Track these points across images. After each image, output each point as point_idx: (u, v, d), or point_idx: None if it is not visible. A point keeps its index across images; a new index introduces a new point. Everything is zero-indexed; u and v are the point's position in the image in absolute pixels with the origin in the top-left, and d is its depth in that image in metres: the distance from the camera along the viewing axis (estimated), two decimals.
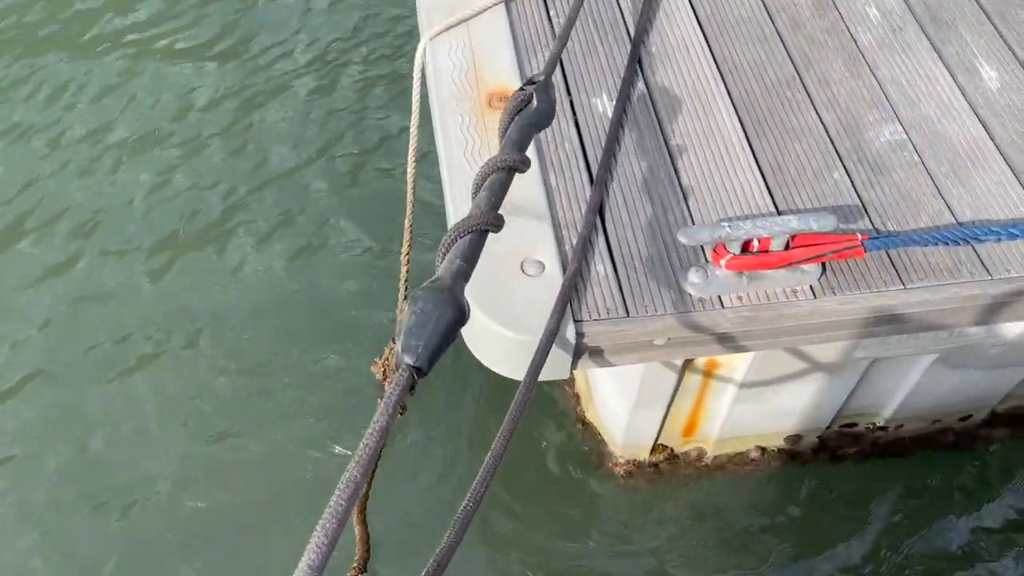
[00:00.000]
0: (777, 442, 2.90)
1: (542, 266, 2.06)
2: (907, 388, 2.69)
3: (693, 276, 2.04)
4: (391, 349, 3.30)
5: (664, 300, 2.03)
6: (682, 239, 2.01)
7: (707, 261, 2.08)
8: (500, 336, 1.98)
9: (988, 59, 2.56)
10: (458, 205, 2.17)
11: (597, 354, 2.05)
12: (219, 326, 3.28)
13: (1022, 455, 2.99)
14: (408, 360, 1.25)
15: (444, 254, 1.49)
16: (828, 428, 2.90)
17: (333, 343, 3.25)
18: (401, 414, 1.70)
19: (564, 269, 2.06)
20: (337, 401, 3.11)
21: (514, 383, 1.64)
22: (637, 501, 2.89)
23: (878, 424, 2.92)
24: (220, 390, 3.12)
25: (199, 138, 3.85)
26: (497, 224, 1.57)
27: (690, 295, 2.04)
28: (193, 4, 4.37)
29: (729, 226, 1.98)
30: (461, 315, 1.33)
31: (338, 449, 2.99)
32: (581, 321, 1.99)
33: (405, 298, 2.98)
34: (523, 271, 2.05)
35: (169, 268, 3.44)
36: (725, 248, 2.01)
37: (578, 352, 2.03)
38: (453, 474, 2.94)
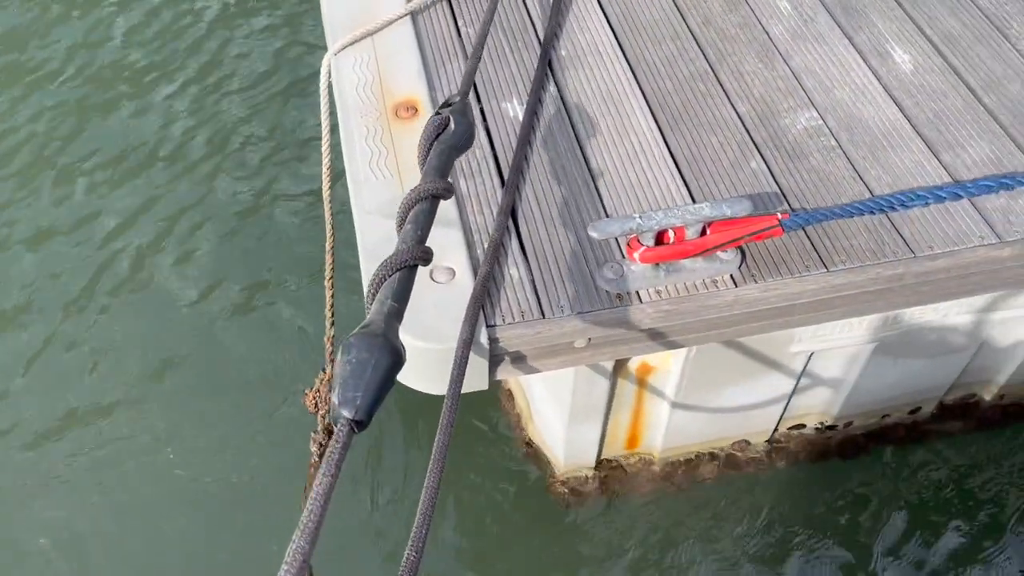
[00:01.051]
0: (725, 448, 2.81)
1: (452, 272, 1.98)
2: (851, 382, 2.62)
3: (608, 272, 1.96)
4: (322, 380, 3.19)
5: (580, 299, 1.95)
6: (592, 234, 1.93)
7: (622, 256, 2.01)
8: (411, 348, 1.88)
9: (900, 42, 2.54)
10: (364, 219, 2.09)
11: (516, 360, 1.95)
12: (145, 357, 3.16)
13: (972, 447, 2.92)
14: (347, 414, 1.18)
15: (373, 294, 1.43)
16: (776, 430, 2.82)
17: (257, 366, 3.13)
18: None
19: (476, 275, 1.97)
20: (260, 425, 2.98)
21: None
22: (584, 522, 2.77)
23: (827, 423, 2.84)
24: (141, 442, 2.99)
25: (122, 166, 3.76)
26: (425, 257, 1.51)
27: (607, 292, 1.96)
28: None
29: (640, 218, 1.91)
30: (398, 359, 1.27)
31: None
32: (495, 326, 1.90)
33: (332, 324, 2.88)
34: (432, 279, 1.96)
35: (95, 299, 3.34)
36: (639, 241, 1.94)
37: (495, 359, 1.93)
38: (392, 516, 2.81)
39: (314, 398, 3.09)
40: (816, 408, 2.76)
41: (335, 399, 1.21)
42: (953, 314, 2.39)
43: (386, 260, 1.44)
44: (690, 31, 2.59)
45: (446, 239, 2.03)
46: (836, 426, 2.85)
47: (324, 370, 3.08)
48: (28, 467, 2.92)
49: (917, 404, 2.85)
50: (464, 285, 1.95)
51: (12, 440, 2.98)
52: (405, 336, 1.86)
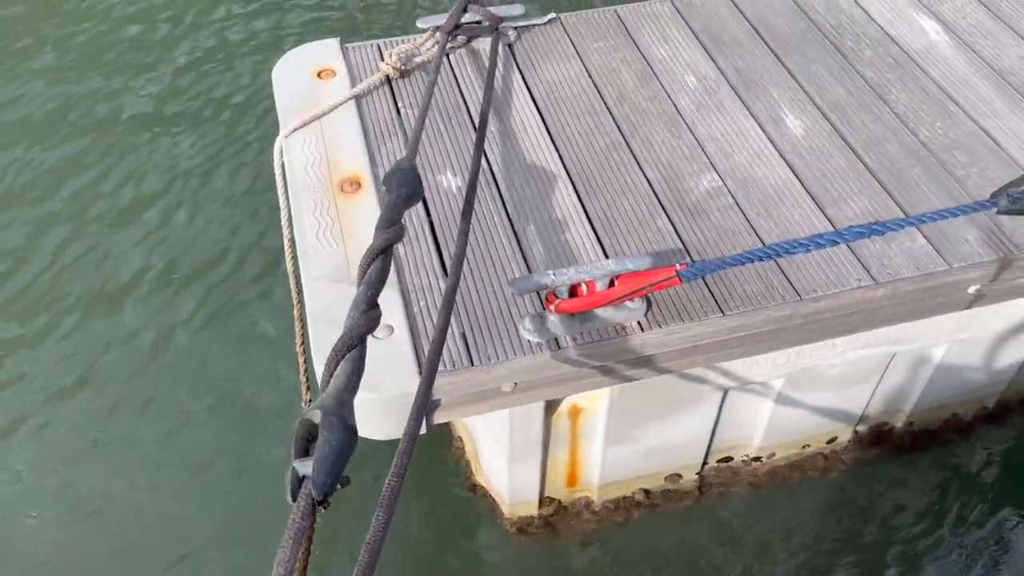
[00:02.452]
0: (659, 483, 3.03)
1: (391, 329, 2.21)
2: (766, 416, 2.86)
3: (528, 323, 2.21)
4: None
5: (506, 348, 2.19)
6: (513, 290, 2.19)
7: (543, 308, 2.26)
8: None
9: (792, 110, 2.86)
10: (311, 286, 2.32)
11: (450, 405, 2.19)
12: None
13: (887, 472, 3.16)
14: (317, 496, 1.27)
15: (332, 368, 1.52)
16: (705, 464, 3.04)
17: (231, 429, 3.32)
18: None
19: (411, 331, 2.21)
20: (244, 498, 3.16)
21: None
22: (530, 560, 2.96)
23: (752, 455, 3.08)
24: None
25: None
26: (372, 325, 1.63)
27: (528, 341, 2.20)
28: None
29: (554, 274, 2.17)
30: (356, 441, 1.36)
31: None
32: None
33: (308, 388, 3.07)
34: (372, 335, 2.19)
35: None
36: (555, 294, 2.20)
37: (430, 406, 2.16)
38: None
39: None
40: (740, 441, 3.00)
41: (310, 474, 1.26)
42: (851, 350, 2.65)
43: (341, 336, 1.56)
44: (606, 106, 2.89)
45: (386, 298, 2.23)
46: (760, 458, 3.08)
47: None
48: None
49: (833, 434, 3.10)
50: (400, 340, 2.19)
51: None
52: None
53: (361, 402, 2.08)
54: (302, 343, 2.96)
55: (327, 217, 2.48)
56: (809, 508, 3.10)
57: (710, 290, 2.33)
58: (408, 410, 2.06)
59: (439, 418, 2.21)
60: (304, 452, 1.32)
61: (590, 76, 3.00)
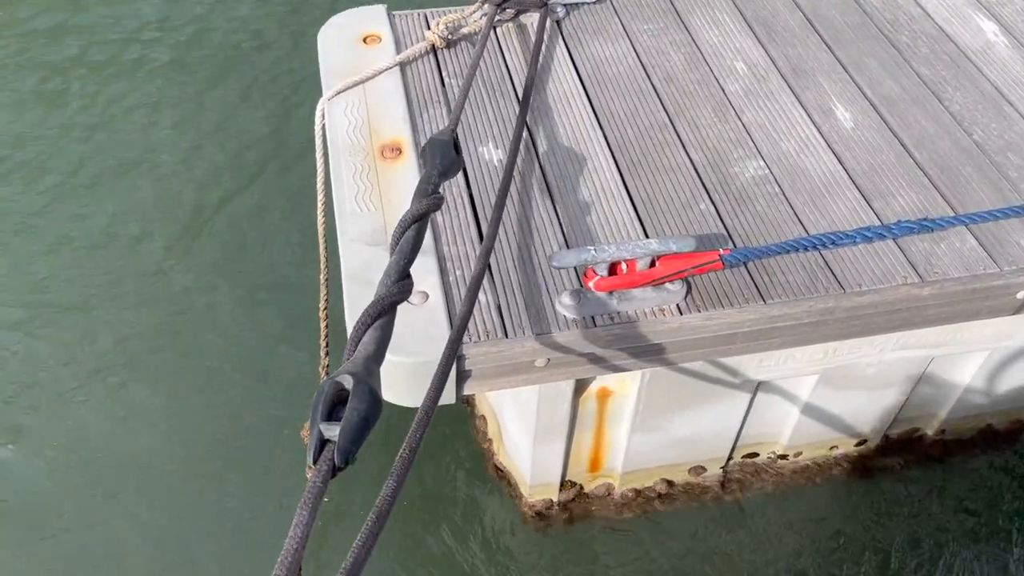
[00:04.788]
0: (682, 475, 2.99)
1: (425, 296, 2.18)
2: (797, 413, 2.81)
3: (566, 298, 2.17)
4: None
5: (540, 322, 2.15)
6: (552, 263, 2.15)
7: (580, 285, 2.22)
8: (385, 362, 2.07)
9: (842, 101, 2.80)
10: (348, 247, 2.29)
11: (481, 376, 2.15)
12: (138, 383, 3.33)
13: (916, 480, 3.10)
14: (339, 463, 1.27)
15: (360, 334, 1.51)
16: (730, 459, 3.00)
17: (250, 400, 3.30)
18: None
19: (447, 298, 2.18)
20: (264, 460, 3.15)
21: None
22: (547, 543, 2.93)
23: (778, 452, 3.03)
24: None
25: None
26: (404, 294, 1.63)
27: (565, 316, 2.16)
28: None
29: (595, 250, 2.13)
30: (381, 410, 1.36)
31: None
32: (463, 343, 2.10)
33: (327, 354, 3.06)
34: (407, 301, 2.16)
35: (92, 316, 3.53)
36: (594, 271, 2.16)
37: (462, 375, 2.13)
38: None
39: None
40: (768, 437, 2.95)
41: (333, 437, 1.27)
42: (889, 350, 2.59)
43: (371, 303, 1.56)
44: (652, 86, 2.84)
45: (421, 266, 2.23)
46: (787, 456, 3.03)
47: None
48: None
49: (863, 437, 3.04)
50: (435, 307, 2.15)
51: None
52: None
53: (392, 366, 2.07)
54: (325, 308, 2.95)
55: (366, 181, 2.45)
56: (833, 511, 3.04)
57: (752, 277, 2.27)
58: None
59: (469, 388, 2.18)
60: (329, 415, 1.31)
61: (638, 56, 2.94)
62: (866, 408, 2.87)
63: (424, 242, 2.28)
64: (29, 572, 2.85)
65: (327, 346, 3.02)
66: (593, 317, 2.17)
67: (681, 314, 2.19)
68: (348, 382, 1.34)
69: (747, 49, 2.99)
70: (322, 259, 2.90)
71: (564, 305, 2.17)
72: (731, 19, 3.11)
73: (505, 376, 2.17)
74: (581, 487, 2.95)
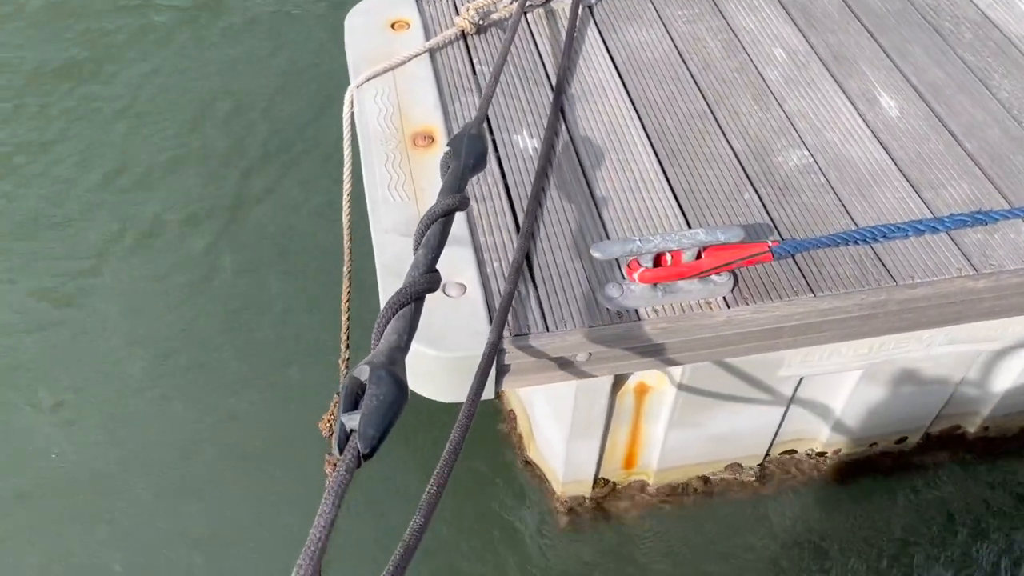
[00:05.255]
0: (718, 471, 2.91)
1: (463, 288, 2.11)
2: (838, 409, 2.73)
3: (610, 290, 2.10)
4: (336, 403, 3.30)
5: (583, 315, 2.08)
6: (595, 254, 2.07)
7: (623, 277, 2.14)
8: (421, 355, 2.01)
9: (887, 89, 2.71)
10: (381, 237, 2.23)
11: (521, 371, 2.08)
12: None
13: (958, 478, 3.01)
14: (363, 450, 1.24)
15: (385, 323, 1.49)
16: (768, 455, 2.92)
17: (272, 391, 3.24)
18: None
19: (485, 291, 2.11)
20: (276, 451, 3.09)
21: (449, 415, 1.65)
22: (579, 541, 2.86)
23: (816, 450, 2.95)
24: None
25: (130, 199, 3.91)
26: (433, 285, 1.60)
27: (608, 309, 2.09)
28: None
29: (640, 240, 2.05)
30: (407, 397, 1.33)
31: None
32: (503, 338, 2.03)
33: (347, 347, 3.00)
34: (444, 293, 2.09)
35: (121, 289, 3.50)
36: (638, 262, 2.08)
37: (501, 370, 2.06)
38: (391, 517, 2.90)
39: (328, 422, 3.21)
40: (806, 434, 2.87)
41: (357, 427, 1.25)
42: (937, 344, 2.51)
43: (398, 291, 1.53)
44: (690, 73, 2.76)
45: (459, 257, 2.17)
46: (825, 453, 2.95)
47: (338, 393, 3.20)
48: None
49: (904, 434, 2.96)
50: (474, 300, 2.08)
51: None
52: (417, 345, 2.00)
53: (432, 361, 2.01)
54: (348, 300, 2.88)
55: (399, 170, 2.38)
56: (872, 510, 2.96)
57: (800, 269, 2.20)
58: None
59: (508, 384, 2.11)
60: (353, 407, 1.29)
61: (673, 43, 2.86)
62: (909, 404, 2.79)
63: (460, 233, 2.24)
64: (73, 552, 2.83)
65: (348, 339, 2.96)
66: (637, 310, 2.09)
67: (728, 307, 2.11)
68: (366, 373, 1.32)
69: (786, 35, 2.90)
70: (346, 251, 2.83)
71: (607, 298, 2.09)
72: (767, 4, 3.02)
73: (545, 371, 2.10)
74: (614, 484, 2.88)
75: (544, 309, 2.10)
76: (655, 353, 2.12)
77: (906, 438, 2.98)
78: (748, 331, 2.14)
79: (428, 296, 2.06)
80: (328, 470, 3.08)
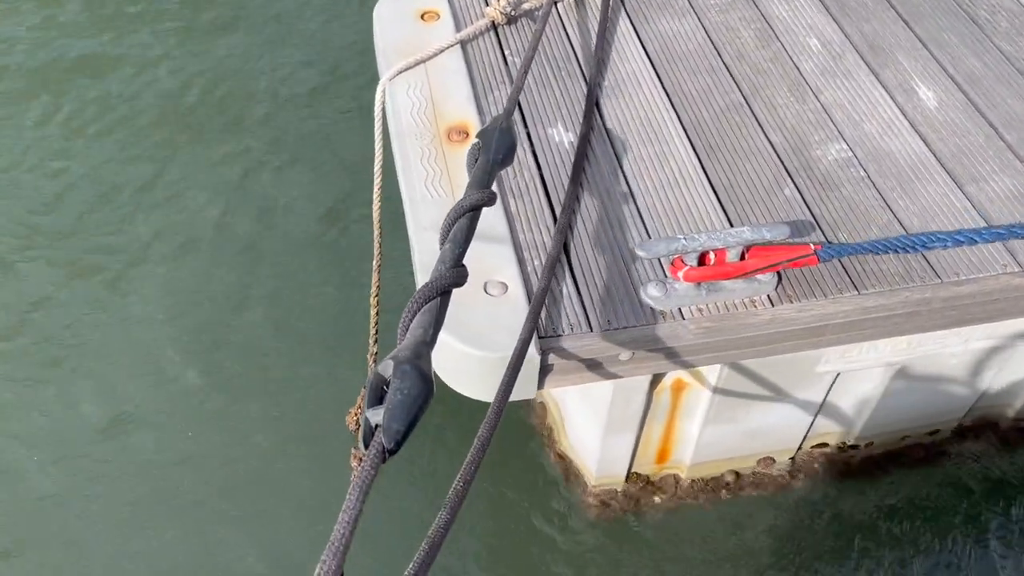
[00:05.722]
0: (750, 466, 2.91)
1: (504, 287, 2.09)
2: (873, 403, 2.72)
3: (653, 290, 2.08)
4: (363, 397, 3.29)
5: (626, 314, 2.06)
6: (640, 253, 2.06)
7: (666, 275, 2.12)
8: (464, 355, 2.00)
9: (924, 80, 2.68)
10: (420, 235, 2.21)
11: (563, 371, 2.06)
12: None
13: (992, 469, 3.01)
14: (387, 444, 1.24)
15: (411, 316, 1.49)
16: (799, 449, 2.91)
17: (302, 383, 3.24)
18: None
19: (527, 289, 2.09)
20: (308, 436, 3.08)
21: (479, 410, 1.65)
22: (612, 533, 2.86)
23: (848, 443, 2.94)
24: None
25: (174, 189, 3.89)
26: (460, 280, 1.59)
27: (651, 309, 2.07)
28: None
29: (685, 239, 2.03)
30: (432, 394, 1.33)
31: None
32: (545, 337, 2.02)
33: (376, 342, 2.99)
34: (486, 291, 2.08)
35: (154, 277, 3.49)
36: (683, 261, 2.06)
37: (544, 369, 2.04)
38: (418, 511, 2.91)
39: (355, 416, 3.21)
40: (839, 427, 2.86)
41: (381, 422, 1.25)
42: (975, 339, 2.49)
43: (424, 285, 1.52)
44: (724, 64, 2.72)
45: (499, 255, 2.15)
46: (857, 446, 2.94)
47: (365, 387, 3.19)
48: None
49: (936, 426, 2.95)
50: (516, 298, 2.06)
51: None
52: (460, 344, 1.99)
53: (474, 361, 1.99)
54: (376, 295, 2.87)
55: (435, 166, 2.36)
56: (903, 501, 2.95)
57: (844, 266, 2.18)
58: (523, 369, 1.98)
59: (551, 384, 2.09)
60: (378, 401, 1.29)
61: (707, 33, 2.82)
62: (943, 398, 2.78)
63: (499, 230, 2.22)
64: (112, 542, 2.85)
65: (376, 334, 2.95)
66: (681, 309, 2.08)
67: (772, 305, 2.10)
68: (390, 368, 1.31)
69: (820, 25, 2.86)
70: (376, 246, 2.82)
71: (651, 297, 2.08)
72: None
73: (588, 371, 2.09)
74: (647, 478, 2.88)
75: (587, 308, 2.08)
76: (698, 352, 2.11)
77: (938, 431, 2.97)
78: (792, 329, 2.12)
79: (470, 295, 2.07)
80: (353, 464, 3.09)
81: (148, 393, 3.20)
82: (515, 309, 2.04)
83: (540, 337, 2.01)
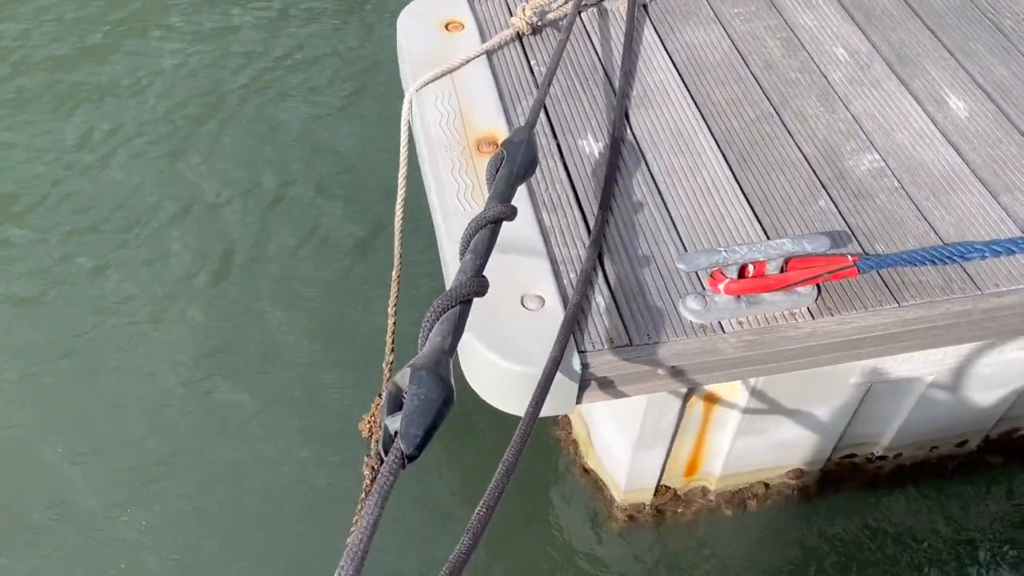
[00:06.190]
0: (779, 477, 2.88)
1: (542, 301, 2.07)
2: (903, 414, 2.70)
3: (692, 303, 2.06)
4: (378, 404, 3.26)
5: (666, 328, 2.04)
6: (680, 266, 2.04)
7: (704, 288, 2.10)
8: (503, 370, 1.97)
9: (954, 90, 2.66)
10: (454, 248, 2.18)
11: (602, 385, 2.04)
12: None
13: (1018, 481, 2.99)
14: (406, 450, 1.24)
15: (431, 324, 1.48)
16: (828, 460, 2.89)
17: (318, 393, 3.21)
18: None
19: (564, 303, 2.06)
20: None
21: (512, 421, 1.63)
22: (640, 546, 2.83)
23: (877, 454, 2.92)
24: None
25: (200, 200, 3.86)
26: (481, 289, 1.59)
27: (690, 322, 2.05)
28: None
29: (726, 251, 2.01)
30: (452, 400, 1.32)
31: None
32: (585, 352, 1.99)
33: (392, 351, 2.96)
34: (523, 306, 2.05)
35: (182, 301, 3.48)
36: (723, 273, 2.04)
37: (584, 384, 2.02)
38: (448, 520, 2.88)
39: (369, 423, 3.17)
40: (869, 439, 2.84)
41: (399, 428, 1.25)
42: (1008, 349, 2.48)
43: (445, 294, 1.51)
44: (752, 74, 2.71)
45: (535, 269, 2.13)
46: (886, 456, 2.92)
47: (380, 395, 3.16)
48: None
49: (965, 437, 2.93)
50: (554, 312, 2.04)
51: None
52: (499, 359, 1.97)
53: (514, 376, 1.96)
54: (395, 304, 2.84)
55: (467, 178, 2.33)
56: (932, 511, 2.94)
57: (882, 278, 2.16)
58: (560, 387, 1.96)
59: (589, 398, 2.07)
60: (396, 409, 1.29)
61: (733, 42, 2.81)
62: (974, 408, 2.76)
63: (534, 243, 2.20)
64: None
65: (392, 343, 2.92)
66: (720, 322, 2.05)
67: (813, 318, 2.07)
68: (435, 377, 1.31)
69: (846, 34, 2.85)
70: (396, 256, 2.79)
71: (690, 310, 2.05)
72: (824, 2, 2.97)
73: (628, 384, 2.06)
74: (675, 490, 2.85)
75: (626, 322, 2.05)
76: (738, 365, 2.09)
77: (967, 441, 2.95)
78: (832, 342, 2.10)
79: (508, 309, 2.05)
80: (366, 472, 3.06)
81: (194, 405, 3.18)
82: (553, 323, 2.01)
83: (580, 352, 1.99)
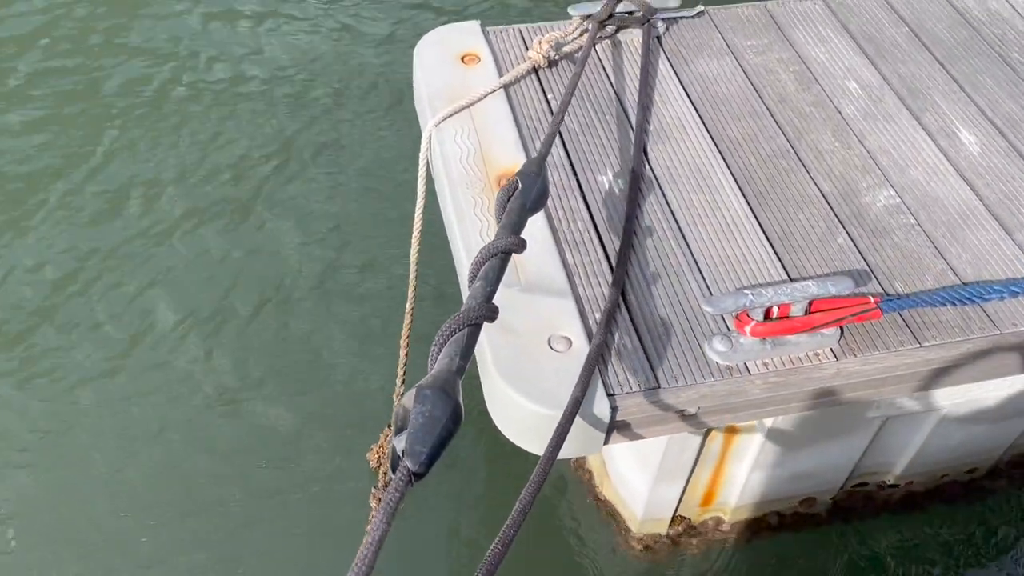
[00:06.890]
0: (792, 506, 2.91)
1: (569, 342, 2.08)
2: (917, 445, 2.73)
3: (719, 344, 2.08)
4: (387, 435, 3.26)
5: (692, 369, 2.06)
6: (707, 308, 2.05)
7: (730, 329, 2.12)
8: (530, 412, 1.98)
9: (965, 124, 2.70)
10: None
11: (629, 427, 2.05)
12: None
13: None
14: (411, 467, 1.24)
15: (440, 347, 1.49)
16: (840, 489, 2.92)
17: (329, 420, 3.21)
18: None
19: (590, 344, 2.07)
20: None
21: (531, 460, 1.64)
22: (655, 574, 2.85)
23: (888, 482, 2.95)
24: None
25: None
26: (491, 315, 1.59)
27: (716, 363, 2.07)
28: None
29: (752, 294, 2.03)
30: (460, 418, 1.33)
31: None
32: (614, 395, 2.00)
33: (403, 382, 2.96)
34: (551, 347, 2.06)
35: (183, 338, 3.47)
36: (748, 315, 2.06)
37: (612, 426, 2.03)
38: (464, 555, 2.89)
39: (377, 453, 3.18)
40: (882, 468, 2.87)
41: (404, 447, 1.25)
42: (1020, 382, 2.51)
43: (455, 316, 1.52)
44: (767, 108, 2.73)
45: (561, 310, 2.14)
46: (897, 484, 2.96)
47: (389, 426, 3.16)
48: None
49: (975, 465, 2.97)
50: (581, 353, 2.05)
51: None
52: (528, 403, 1.98)
53: (541, 419, 1.97)
54: (407, 336, 2.85)
55: (489, 216, 2.34)
56: (941, 536, 2.98)
57: (903, 318, 2.18)
58: (587, 429, 1.98)
59: (617, 439, 2.08)
60: (404, 429, 1.29)
61: (746, 75, 2.84)
62: (985, 437, 2.80)
63: (559, 283, 2.21)
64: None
65: (404, 373, 2.92)
66: (746, 363, 2.07)
67: (837, 359, 2.10)
68: (440, 395, 1.32)
69: (857, 68, 2.88)
70: (411, 287, 2.80)
71: (717, 352, 2.07)
72: (836, 34, 3.00)
73: (653, 425, 2.08)
74: (690, 520, 2.87)
75: (652, 363, 2.07)
76: (763, 405, 2.11)
77: (976, 468, 2.99)
78: (854, 382, 2.13)
79: (536, 351, 2.06)
80: (372, 504, 3.06)
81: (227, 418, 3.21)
82: (581, 365, 2.03)
83: (609, 395, 2.00)
